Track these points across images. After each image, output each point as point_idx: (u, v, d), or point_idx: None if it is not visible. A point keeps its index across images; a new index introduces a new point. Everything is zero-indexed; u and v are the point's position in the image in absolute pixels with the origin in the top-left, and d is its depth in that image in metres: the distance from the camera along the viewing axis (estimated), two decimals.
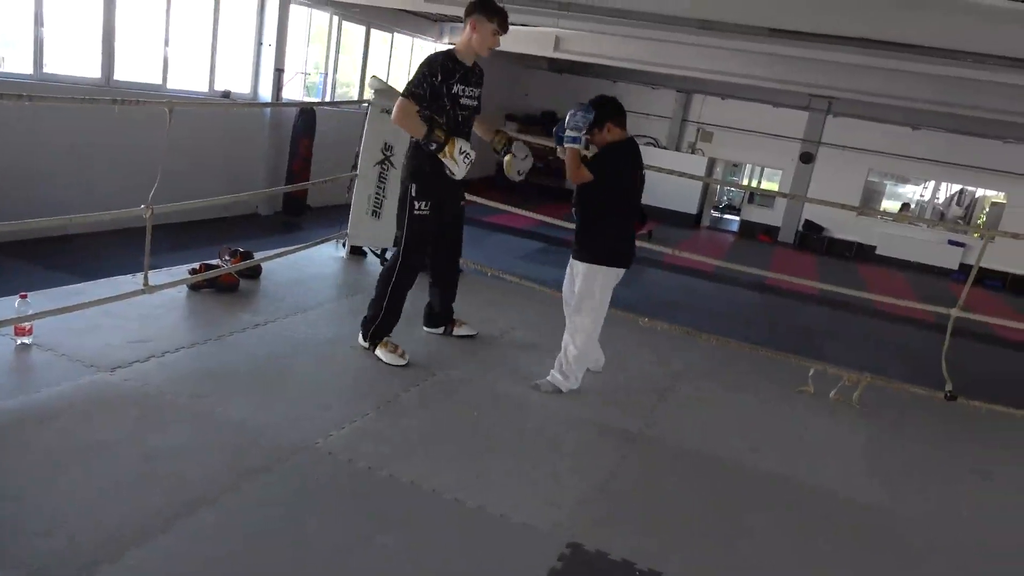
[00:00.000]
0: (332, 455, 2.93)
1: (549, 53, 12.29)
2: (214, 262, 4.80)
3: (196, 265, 4.60)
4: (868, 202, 16.55)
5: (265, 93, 9.63)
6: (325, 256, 5.84)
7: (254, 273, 4.95)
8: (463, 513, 2.67)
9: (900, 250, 16.30)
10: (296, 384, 3.60)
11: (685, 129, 17.27)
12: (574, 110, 3.71)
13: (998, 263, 15.88)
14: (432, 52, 3.78)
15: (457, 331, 4.46)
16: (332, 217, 7.03)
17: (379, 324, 3.92)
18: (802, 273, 12.65)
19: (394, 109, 3.64)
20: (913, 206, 18.23)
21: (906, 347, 7.97)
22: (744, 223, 17.51)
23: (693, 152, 16.95)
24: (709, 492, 3.16)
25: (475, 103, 3.89)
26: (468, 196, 4.39)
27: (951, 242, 16.16)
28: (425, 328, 4.47)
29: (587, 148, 3.84)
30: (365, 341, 3.97)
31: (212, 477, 2.65)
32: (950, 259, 16.04)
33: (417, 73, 3.63)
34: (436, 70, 3.63)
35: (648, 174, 4.45)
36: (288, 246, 5.41)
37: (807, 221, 16.62)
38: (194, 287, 4.50)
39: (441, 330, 4.46)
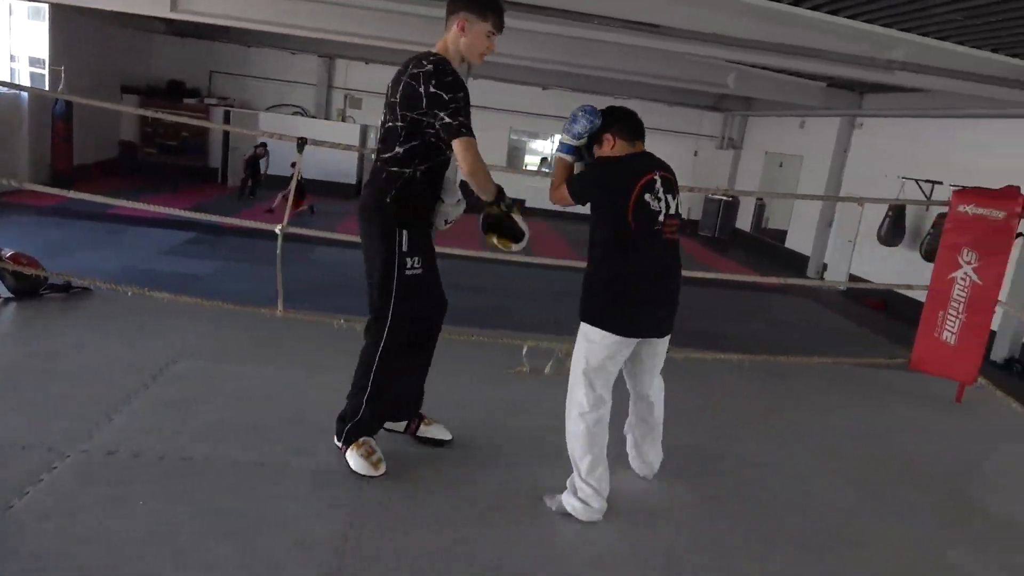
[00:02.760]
0: None
1: (165, 13, 10.54)
2: None
3: None
4: (512, 160, 17.63)
5: None
6: None
7: None
8: None
9: (548, 202, 17.75)
10: None
11: (332, 96, 16.51)
12: (579, 111, 2.88)
13: None
14: (437, 61, 2.71)
15: (424, 431, 3.21)
16: None
17: (357, 422, 2.91)
18: (466, 236, 12.93)
19: (463, 155, 2.65)
20: (550, 159, 19.98)
21: None
22: None
23: (344, 120, 16.32)
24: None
25: None
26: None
27: None
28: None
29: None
30: (339, 441, 2.95)
31: None
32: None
33: (456, 96, 2.66)
34: (462, 84, 2.70)
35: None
36: None
37: (462, 181, 17.16)
38: None
39: (403, 427, 3.21)
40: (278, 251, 4.44)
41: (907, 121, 11.60)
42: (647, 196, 2.71)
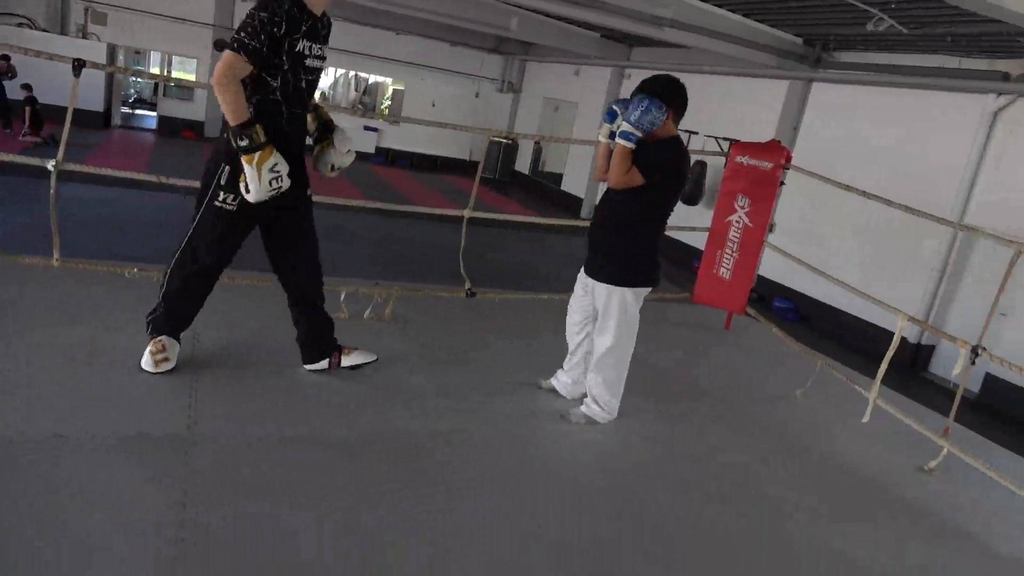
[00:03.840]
0: None
1: None
2: None
3: None
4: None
5: None
6: None
7: None
8: None
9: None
10: None
11: (70, 8, 14.22)
12: (643, 100, 3.01)
13: (405, 144, 18.03)
14: None
15: (346, 360, 3.38)
16: None
17: (156, 316, 3.08)
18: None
19: (217, 67, 2.59)
20: (328, 94, 19.09)
21: (426, 246, 8.27)
22: (163, 119, 15.81)
23: (85, 37, 14.17)
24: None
25: (321, 65, 2.91)
26: None
27: (367, 128, 17.51)
28: (305, 367, 3.36)
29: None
30: (148, 333, 3.10)
31: None
32: (368, 144, 17.44)
33: (251, 19, 2.60)
34: (281, 17, 2.62)
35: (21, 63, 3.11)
36: None
37: None
38: None
39: (325, 364, 3.35)
40: (51, 191, 3.82)
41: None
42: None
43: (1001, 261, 3.75)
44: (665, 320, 5.37)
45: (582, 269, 3.47)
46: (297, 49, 2.73)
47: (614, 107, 3.20)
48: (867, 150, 9.24)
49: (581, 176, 15.13)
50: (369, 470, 2.71)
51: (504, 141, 17.50)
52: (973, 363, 3.40)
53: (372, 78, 18.90)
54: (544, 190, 16.63)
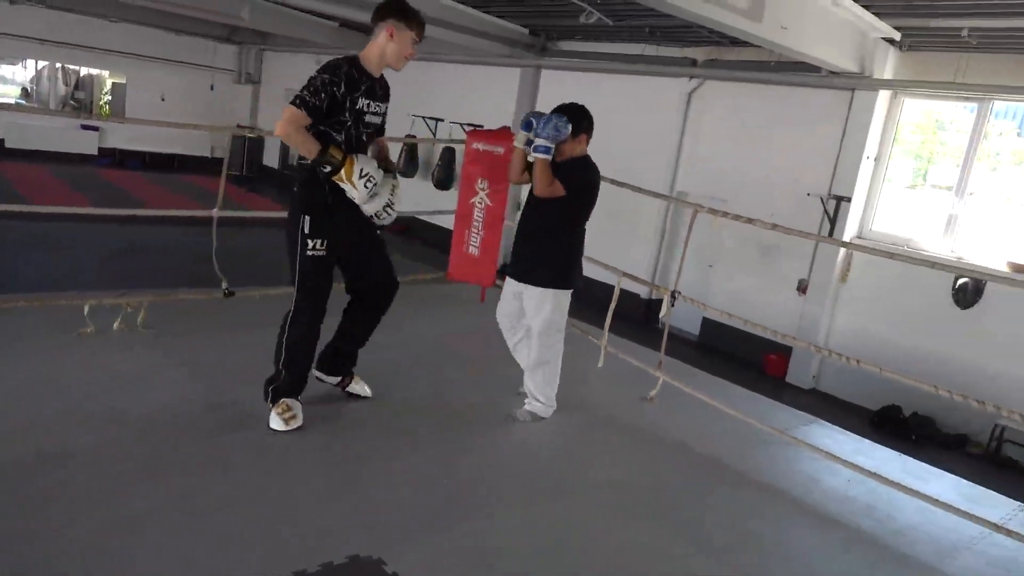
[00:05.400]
0: None
1: None
2: None
3: None
4: None
5: None
6: None
7: None
8: None
9: (33, 141, 15.09)
10: None
11: None
12: (550, 117, 3.43)
13: (134, 143, 16.51)
14: (333, 59, 3.12)
15: (353, 387, 3.68)
16: None
17: (278, 385, 3.29)
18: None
19: (280, 121, 2.98)
20: (30, 90, 16.86)
21: (175, 250, 7.63)
22: None
23: None
24: None
25: (380, 121, 3.30)
26: None
27: (84, 127, 15.80)
28: (317, 373, 3.56)
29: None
30: (267, 400, 3.30)
31: None
32: (88, 144, 15.75)
33: (314, 80, 3.02)
34: (340, 79, 3.04)
35: None
36: None
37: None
38: None
39: (337, 380, 3.64)
40: None
41: (409, 63, 12.96)
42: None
43: (703, 221, 4.57)
44: (423, 299, 5.68)
45: (507, 276, 3.83)
46: (357, 107, 3.12)
47: (530, 118, 3.52)
48: (597, 129, 10.27)
49: None
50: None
51: (249, 135, 16.76)
52: (672, 304, 4.11)
53: (84, 70, 17.00)
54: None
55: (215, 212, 4.33)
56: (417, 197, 12.12)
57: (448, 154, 11.92)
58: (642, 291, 9.21)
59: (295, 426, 3.22)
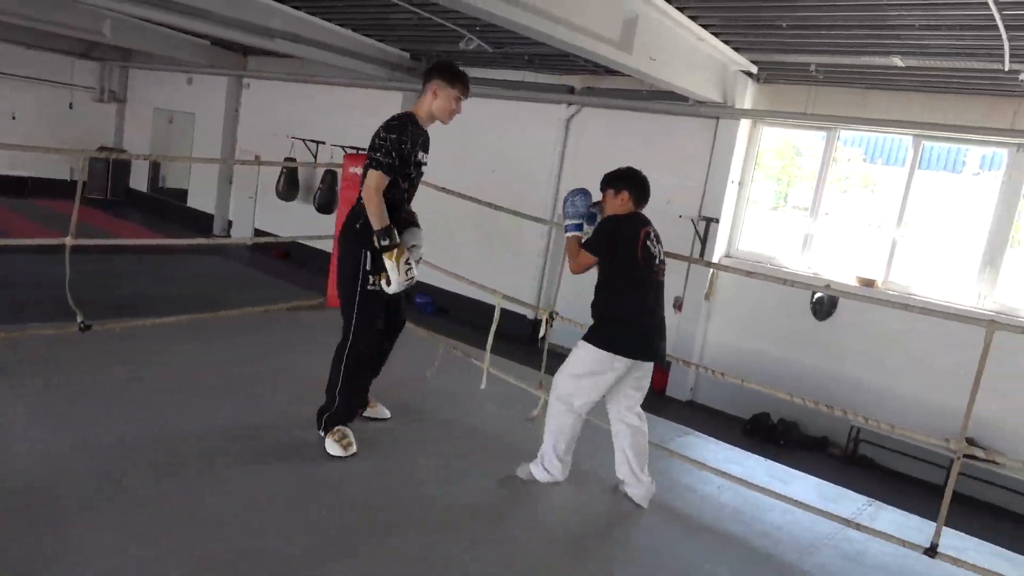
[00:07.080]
0: None
1: None
2: None
3: None
4: None
5: None
6: None
7: None
8: None
9: None
10: None
11: None
12: (571, 194, 3.58)
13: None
14: (395, 115, 3.46)
15: (370, 411, 3.91)
16: None
17: (333, 413, 3.50)
18: None
19: (365, 183, 3.31)
20: None
21: (25, 283, 6.93)
22: None
23: None
24: None
25: (424, 170, 3.63)
26: None
27: None
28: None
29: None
30: (320, 429, 3.52)
31: None
32: None
33: (387, 140, 3.33)
34: (408, 138, 3.36)
35: None
36: None
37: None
38: None
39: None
40: None
41: (289, 84, 12.70)
42: (648, 243, 3.44)
43: None
44: (299, 324, 5.52)
45: None
46: (417, 158, 3.46)
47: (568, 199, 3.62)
48: (482, 154, 10.38)
49: (208, 191, 14.39)
50: None
51: (110, 157, 15.78)
52: (551, 325, 4.20)
53: None
54: (168, 208, 15.42)
55: (68, 240, 4.05)
56: (300, 219, 11.84)
57: (330, 177, 11.69)
58: (528, 312, 9.35)
59: (352, 452, 3.44)
